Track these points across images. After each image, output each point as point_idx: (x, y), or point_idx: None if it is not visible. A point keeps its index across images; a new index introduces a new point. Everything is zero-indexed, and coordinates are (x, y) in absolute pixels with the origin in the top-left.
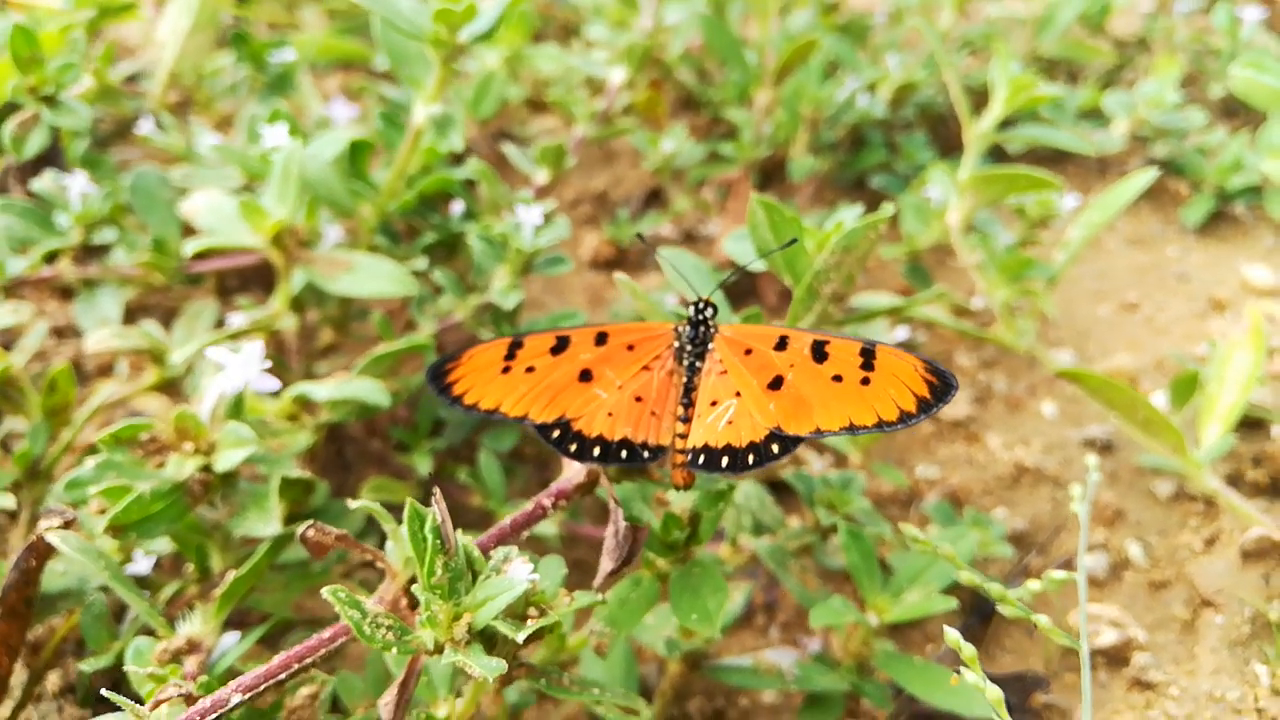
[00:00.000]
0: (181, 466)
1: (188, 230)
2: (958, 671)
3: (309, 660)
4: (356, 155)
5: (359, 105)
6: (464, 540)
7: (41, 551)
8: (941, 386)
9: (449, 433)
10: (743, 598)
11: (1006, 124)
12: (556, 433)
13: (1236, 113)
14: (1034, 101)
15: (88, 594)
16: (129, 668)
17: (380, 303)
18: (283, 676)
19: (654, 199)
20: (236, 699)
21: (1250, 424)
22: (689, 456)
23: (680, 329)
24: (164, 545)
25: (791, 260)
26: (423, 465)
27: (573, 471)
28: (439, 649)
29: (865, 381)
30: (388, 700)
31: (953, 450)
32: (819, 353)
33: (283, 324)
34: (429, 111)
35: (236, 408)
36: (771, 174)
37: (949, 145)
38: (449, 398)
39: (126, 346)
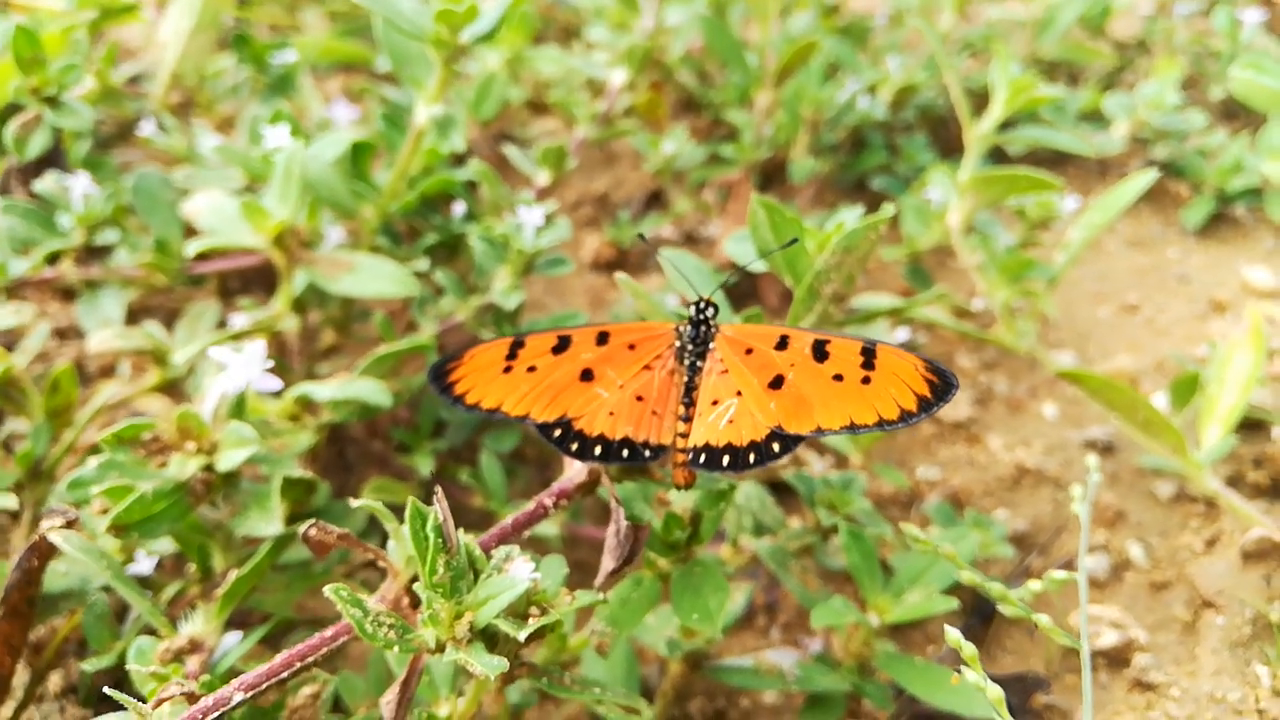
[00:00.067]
0: (184, 466)
1: (190, 231)
2: (959, 671)
3: (311, 659)
4: (358, 156)
5: (360, 107)
6: (465, 539)
7: (44, 551)
8: (942, 385)
9: (450, 434)
10: (744, 598)
11: (1007, 126)
12: (558, 432)
13: (1237, 115)
14: (1034, 103)
15: (90, 594)
16: (131, 666)
17: (382, 303)
18: (285, 675)
19: (655, 201)
20: (239, 697)
21: (1251, 425)
22: (690, 455)
23: (681, 328)
24: (166, 545)
25: (792, 261)
26: (424, 466)
27: (574, 471)
28: (441, 647)
29: (866, 381)
30: (390, 699)
31: (954, 451)
32: (820, 352)
33: (284, 325)
34: (430, 112)
35: (239, 408)
36: (772, 176)
37: (949, 147)
38: (450, 397)
39: (129, 347)
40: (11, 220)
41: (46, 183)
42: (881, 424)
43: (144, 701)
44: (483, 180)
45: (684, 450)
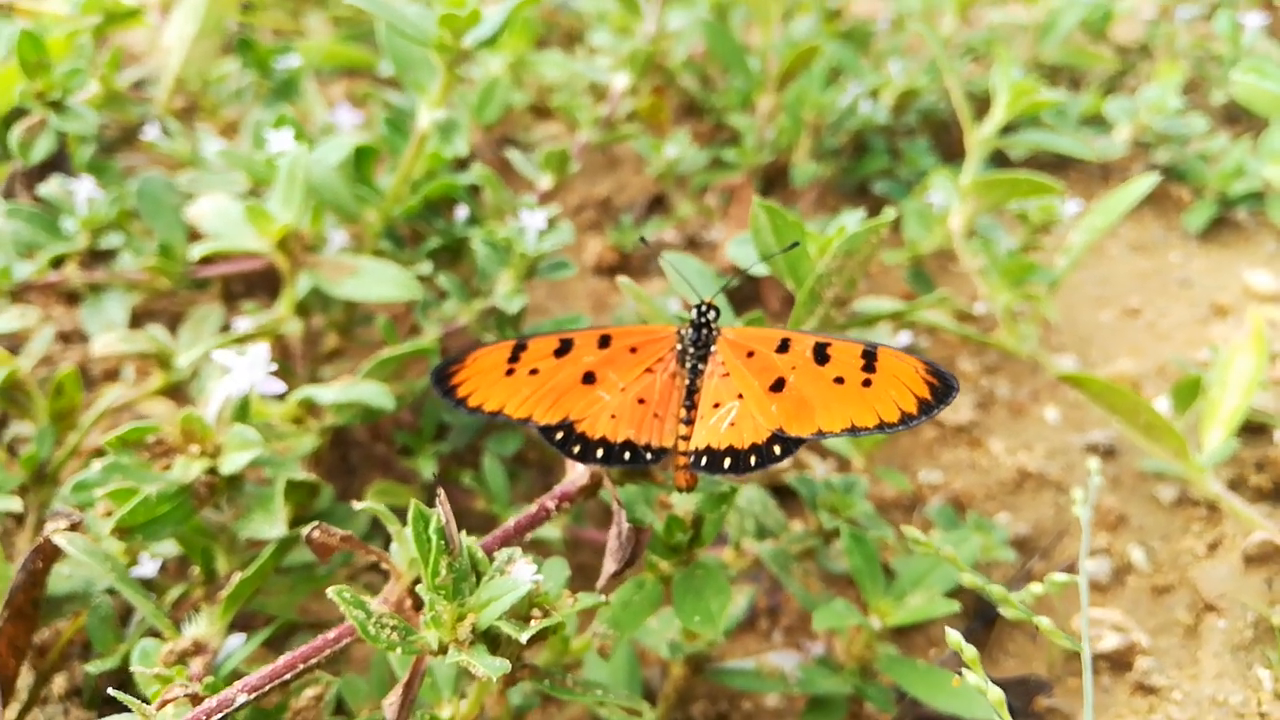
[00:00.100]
0: (188, 469)
1: (194, 235)
2: (960, 674)
3: (314, 661)
4: (361, 160)
5: (364, 111)
6: (468, 541)
7: (48, 554)
8: (942, 388)
9: (453, 437)
10: (746, 601)
11: (1008, 129)
12: (560, 434)
13: (1238, 119)
14: (1035, 107)
15: (94, 596)
16: (135, 668)
17: (385, 307)
18: (288, 677)
19: (657, 205)
20: (242, 699)
21: (1252, 429)
22: (692, 458)
23: (683, 331)
24: (170, 548)
25: (794, 264)
26: (427, 469)
27: (576, 474)
28: (443, 649)
29: (867, 383)
30: (392, 701)
31: (955, 455)
32: (821, 355)
33: (288, 328)
34: (434, 117)
35: (242, 411)
36: (774, 180)
37: (951, 151)
38: (453, 400)
39: (133, 350)
40: (16, 224)
41: (51, 187)
42: (882, 426)
43: (148, 703)
44: (485, 184)
45: (685, 453)
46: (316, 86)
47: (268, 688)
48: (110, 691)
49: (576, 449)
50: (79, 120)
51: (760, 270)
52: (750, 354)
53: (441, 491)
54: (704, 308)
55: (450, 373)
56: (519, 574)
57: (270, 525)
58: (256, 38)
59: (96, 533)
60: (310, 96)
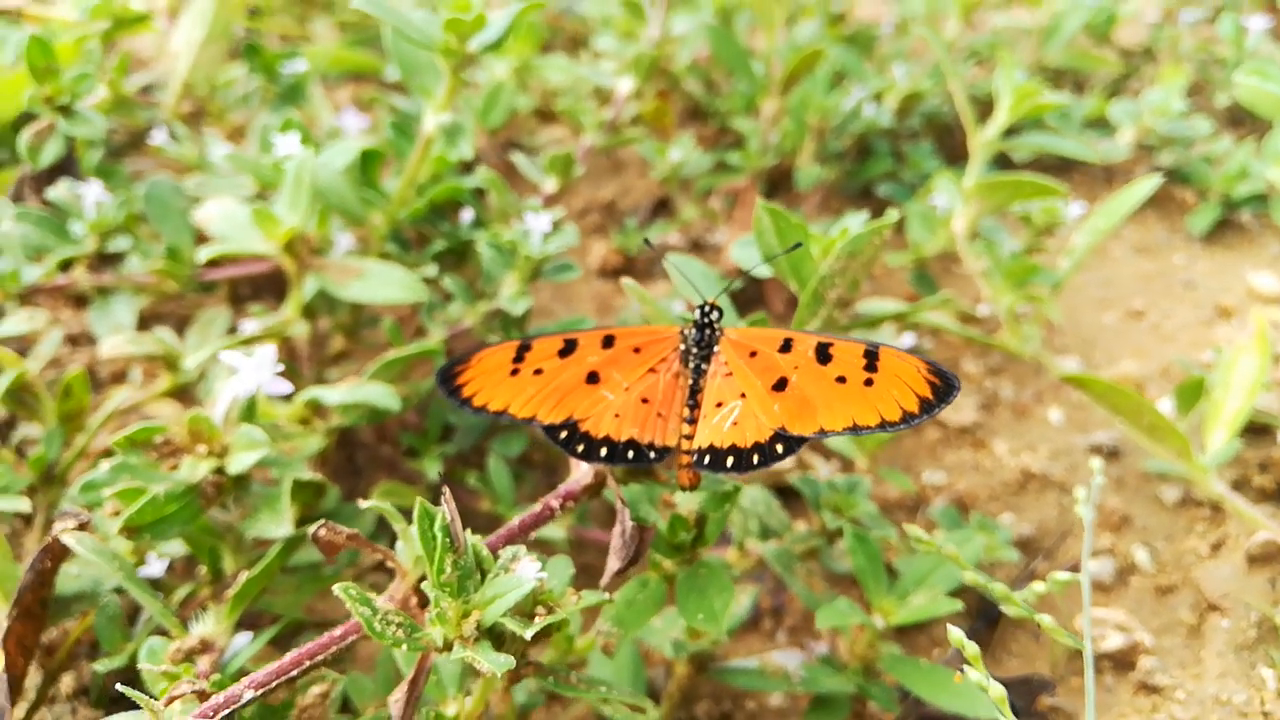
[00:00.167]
0: (195, 469)
1: (201, 239)
2: (962, 670)
3: (320, 657)
4: (367, 164)
5: (370, 116)
6: (473, 539)
7: (57, 553)
8: (944, 387)
9: (458, 438)
10: (749, 601)
11: (1012, 132)
12: (564, 433)
13: (1242, 121)
14: (1038, 109)
15: (102, 596)
16: (143, 666)
17: (391, 309)
18: (294, 674)
19: (662, 208)
20: (249, 695)
21: (1256, 430)
22: (695, 457)
23: (686, 332)
24: (177, 548)
25: (797, 265)
26: (432, 470)
27: (580, 473)
28: (448, 646)
29: (869, 383)
30: (398, 697)
31: (959, 456)
32: (823, 354)
33: (294, 330)
34: (439, 120)
35: (249, 411)
36: (778, 183)
37: (955, 154)
38: (458, 399)
39: (140, 352)
40: (25, 228)
41: (59, 190)
42: (884, 425)
43: (155, 699)
44: (491, 187)
45: (689, 451)
46: (323, 91)
47: (274, 684)
48: (119, 687)
49: (580, 448)
50: (87, 125)
51: (764, 272)
52: (753, 354)
53: (447, 489)
54: (707, 308)
55: (455, 373)
56: (523, 571)
57: (277, 525)
58: (263, 43)
59: (104, 532)
60: (316, 101)
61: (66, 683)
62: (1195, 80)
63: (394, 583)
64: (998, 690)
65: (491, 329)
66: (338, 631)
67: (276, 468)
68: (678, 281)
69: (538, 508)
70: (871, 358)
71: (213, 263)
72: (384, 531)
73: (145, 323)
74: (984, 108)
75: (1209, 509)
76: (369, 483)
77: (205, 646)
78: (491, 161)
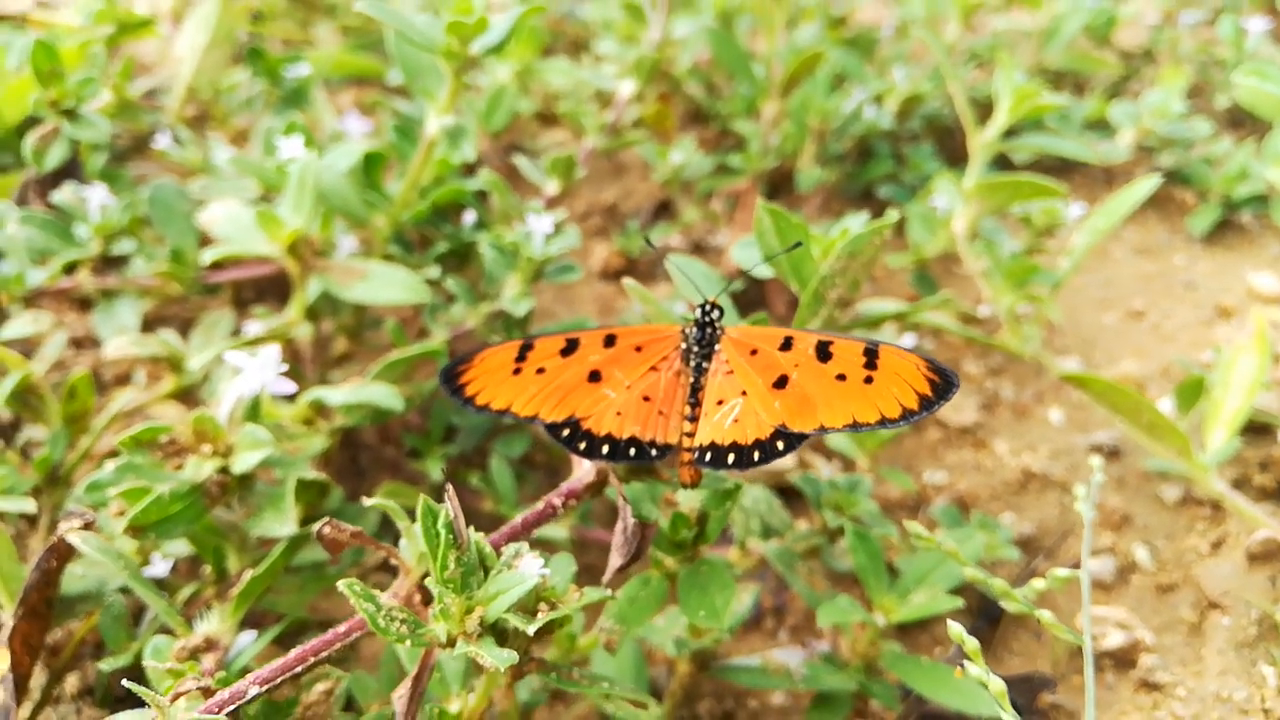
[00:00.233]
0: (199, 468)
1: (205, 241)
2: (962, 666)
3: (325, 654)
4: (370, 166)
5: (373, 119)
6: (476, 537)
7: (62, 553)
8: (943, 384)
9: (461, 439)
10: (751, 599)
11: (1012, 134)
12: (566, 431)
13: (1242, 122)
14: (1038, 110)
15: (107, 595)
16: (148, 663)
17: (394, 311)
18: (299, 670)
19: (663, 210)
20: (254, 691)
21: (1256, 429)
22: (696, 454)
23: (687, 330)
24: (181, 548)
25: (798, 266)
26: (435, 471)
27: (582, 471)
28: (452, 642)
29: (869, 380)
30: (402, 694)
31: (960, 456)
32: (823, 352)
33: (298, 332)
34: (442, 123)
35: (253, 411)
36: (779, 185)
37: (955, 156)
38: (461, 398)
39: (144, 354)
40: (30, 231)
41: (64, 194)
42: (884, 422)
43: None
44: (493, 190)
45: (690, 449)
46: (326, 95)
47: (279, 680)
48: (125, 683)
49: (582, 445)
50: (92, 128)
51: (765, 273)
52: (754, 352)
53: (450, 487)
54: (708, 306)
55: (459, 372)
56: (526, 568)
57: (281, 524)
58: (266, 47)
59: (110, 532)
60: (319, 104)
61: (71, 682)
62: (1195, 82)
63: (398, 580)
64: (998, 685)
65: (494, 330)
66: (342, 628)
67: (280, 467)
68: (679, 282)
69: (540, 505)
70: (871, 355)
71: (217, 265)
72: (387, 532)
73: (149, 325)
74: (984, 110)
75: (1209, 507)
76: (372, 483)
77: (210, 645)
78: (494, 164)
